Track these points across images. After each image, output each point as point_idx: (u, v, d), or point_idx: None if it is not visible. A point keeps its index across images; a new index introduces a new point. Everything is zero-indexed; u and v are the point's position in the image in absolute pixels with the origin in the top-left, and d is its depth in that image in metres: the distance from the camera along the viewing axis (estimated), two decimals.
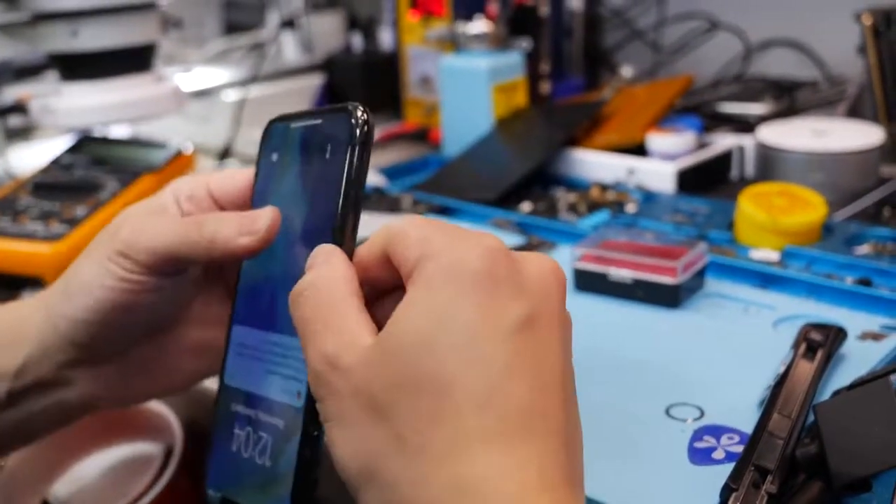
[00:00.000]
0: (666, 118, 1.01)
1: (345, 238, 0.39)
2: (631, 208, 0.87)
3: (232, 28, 1.59)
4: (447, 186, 0.94)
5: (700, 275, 0.66)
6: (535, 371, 0.32)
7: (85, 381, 0.46)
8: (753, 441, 0.44)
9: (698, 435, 0.48)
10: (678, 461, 0.46)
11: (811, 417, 0.45)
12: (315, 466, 0.38)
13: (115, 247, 0.43)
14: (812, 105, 1.10)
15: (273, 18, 1.42)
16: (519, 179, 0.92)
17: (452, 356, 0.32)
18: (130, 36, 0.97)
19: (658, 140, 0.95)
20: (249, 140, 1.12)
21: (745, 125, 1.03)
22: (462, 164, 1.01)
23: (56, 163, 0.90)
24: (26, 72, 1.27)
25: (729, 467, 0.43)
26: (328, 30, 1.45)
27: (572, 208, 0.88)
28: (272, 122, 0.45)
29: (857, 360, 0.55)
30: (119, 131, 1.11)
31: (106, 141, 0.97)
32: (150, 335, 0.47)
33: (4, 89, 1.20)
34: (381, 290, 0.39)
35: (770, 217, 0.73)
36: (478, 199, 0.89)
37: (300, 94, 1.32)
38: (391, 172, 1.02)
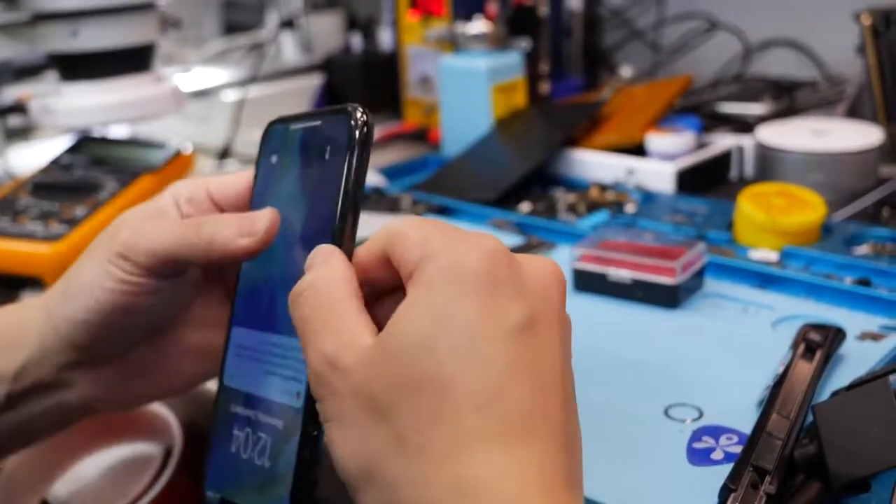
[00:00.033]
0: (665, 118, 1.01)
1: (344, 239, 0.39)
2: (630, 208, 0.87)
3: (231, 28, 1.59)
4: (446, 186, 0.94)
5: (699, 275, 0.66)
6: (534, 372, 0.33)
7: (84, 383, 0.46)
8: (752, 441, 0.44)
9: (697, 435, 0.48)
10: (677, 462, 0.46)
11: (810, 418, 0.45)
12: (314, 467, 0.38)
13: (115, 249, 0.43)
14: (811, 105, 1.10)
15: (272, 18, 1.42)
16: (518, 179, 0.92)
17: (452, 356, 0.32)
18: (130, 36, 0.97)
19: (657, 140, 0.95)
20: (249, 140, 1.12)
21: (744, 125, 1.03)
22: (461, 164, 1.01)
23: (55, 163, 0.90)
24: (26, 72, 1.27)
25: (728, 468, 0.43)
26: (327, 30, 1.45)
27: (571, 208, 0.88)
28: (271, 124, 0.45)
29: (856, 360, 0.55)
30: (118, 131, 1.11)
31: (105, 141, 0.97)
32: (149, 337, 0.47)
33: (4, 89, 1.20)
34: (381, 291, 0.39)
35: (769, 217, 0.73)
36: (477, 199, 0.89)
37: (299, 94, 1.32)
38: (390, 172, 1.02)
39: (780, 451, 0.43)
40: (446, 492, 0.31)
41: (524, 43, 1.11)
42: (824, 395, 0.50)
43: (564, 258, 0.71)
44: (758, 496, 0.41)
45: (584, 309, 0.65)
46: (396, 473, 0.32)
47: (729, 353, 0.57)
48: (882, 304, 0.62)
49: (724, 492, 0.42)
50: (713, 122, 1.06)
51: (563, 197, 0.91)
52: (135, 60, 1.00)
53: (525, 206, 0.89)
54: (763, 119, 1.03)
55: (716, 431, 0.49)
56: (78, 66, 0.97)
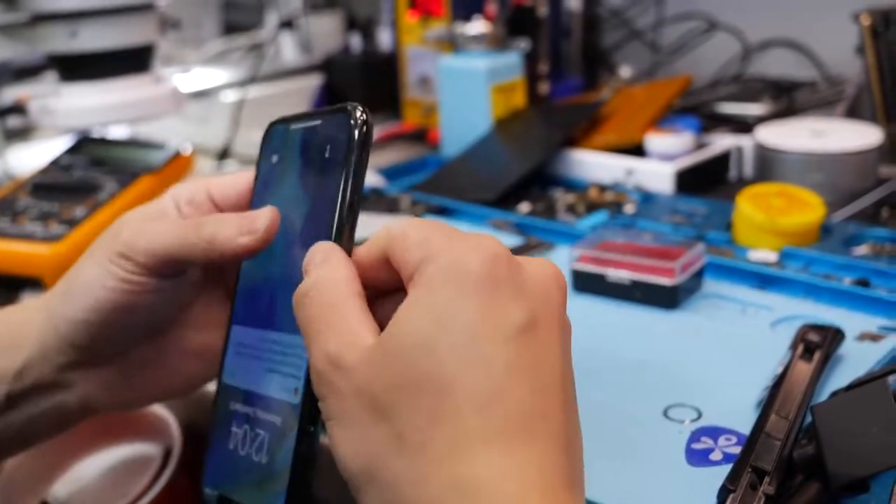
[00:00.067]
0: (664, 118, 1.01)
1: (343, 237, 0.39)
2: (629, 209, 0.87)
3: (230, 28, 1.59)
4: (446, 187, 0.94)
5: (698, 276, 0.66)
6: (535, 373, 0.33)
7: (84, 384, 0.46)
8: (751, 442, 0.44)
9: (696, 436, 0.48)
10: (676, 462, 0.46)
11: (809, 418, 0.45)
12: (311, 463, 0.38)
13: (116, 248, 0.43)
14: (810, 105, 1.10)
15: (272, 19, 1.42)
16: (517, 180, 0.92)
17: (453, 356, 0.32)
18: (129, 37, 0.97)
19: (656, 140, 0.95)
20: (248, 141, 1.12)
21: (743, 125, 1.03)
22: (461, 164, 1.01)
23: (55, 163, 0.90)
24: (25, 72, 1.27)
25: (726, 468, 0.43)
26: (327, 30, 1.45)
27: (571, 209, 0.88)
28: (272, 125, 0.46)
29: (855, 361, 0.55)
30: (118, 132, 1.11)
31: (105, 142, 0.97)
32: (149, 337, 0.48)
33: (4, 90, 1.20)
34: (381, 292, 0.39)
35: (768, 218, 0.73)
36: (476, 199, 0.89)
37: (299, 94, 1.32)
38: (390, 173, 1.02)
39: (779, 452, 0.43)
40: (446, 491, 0.31)
41: (523, 43, 1.11)
42: (823, 395, 0.50)
43: (563, 259, 0.71)
44: (756, 497, 0.41)
45: (583, 310, 0.65)
46: (397, 473, 0.32)
47: (728, 354, 0.57)
48: (881, 305, 0.62)
49: (723, 492, 0.42)
50: (712, 122, 1.06)
51: (562, 197, 0.91)
52: (134, 61, 1.00)
53: (524, 207, 0.89)
54: (762, 119, 1.03)
55: (714, 432, 0.49)
56: (77, 67, 0.97)
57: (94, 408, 0.48)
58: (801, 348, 0.53)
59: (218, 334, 0.47)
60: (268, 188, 0.45)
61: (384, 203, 0.91)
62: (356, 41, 1.43)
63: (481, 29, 1.06)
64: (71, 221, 0.79)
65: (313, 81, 1.36)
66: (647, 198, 0.90)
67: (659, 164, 0.92)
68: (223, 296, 0.49)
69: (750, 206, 0.74)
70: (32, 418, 0.46)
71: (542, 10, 1.18)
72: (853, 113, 1.08)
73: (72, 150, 0.93)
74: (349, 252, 0.39)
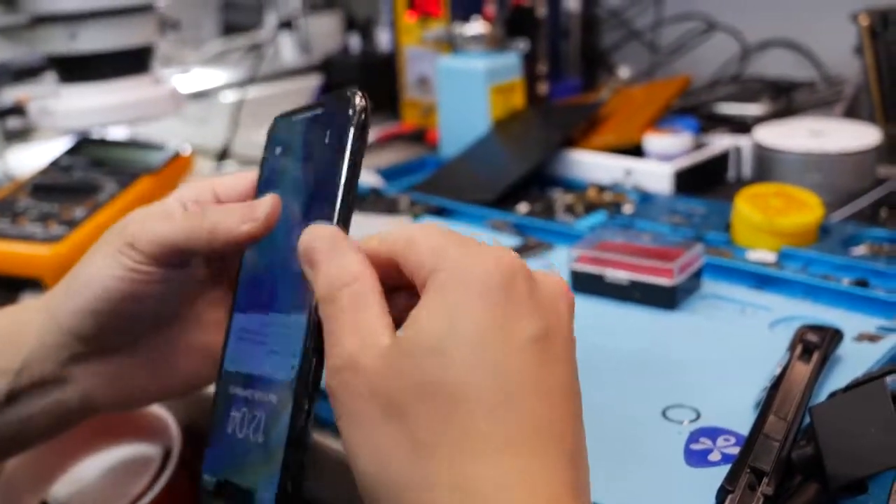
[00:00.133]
0: (663, 119, 1.01)
1: (342, 220, 0.40)
2: (628, 209, 0.87)
3: (230, 29, 1.59)
4: (444, 187, 0.94)
5: (697, 276, 0.66)
6: (546, 385, 0.33)
7: (85, 380, 0.47)
8: (749, 443, 0.45)
9: (694, 437, 0.48)
10: (674, 463, 0.46)
11: (807, 419, 0.46)
12: (305, 441, 0.38)
13: (123, 239, 0.44)
14: (809, 106, 1.10)
15: (271, 19, 1.42)
16: (516, 180, 0.92)
17: (467, 363, 0.32)
18: (128, 38, 0.97)
19: (655, 141, 0.95)
20: (248, 141, 1.12)
21: (742, 126, 1.03)
22: (459, 165, 1.01)
23: (55, 164, 0.91)
24: (25, 74, 1.27)
25: (725, 469, 0.43)
26: (326, 31, 1.46)
27: (569, 209, 0.88)
28: (276, 119, 0.47)
29: (854, 361, 0.55)
30: (117, 133, 1.11)
31: (104, 143, 0.97)
32: (152, 332, 0.48)
33: (3, 91, 1.20)
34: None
35: (767, 218, 0.73)
36: (475, 200, 0.89)
37: (298, 94, 1.32)
38: (388, 173, 1.02)
39: (778, 453, 0.43)
40: (456, 494, 0.31)
41: (522, 44, 1.11)
42: (821, 396, 0.50)
43: (562, 259, 0.71)
44: (755, 497, 0.41)
45: (582, 310, 0.64)
46: (410, 474, 0.32)
47: (726, 355, 0.58)
48: (879, 305, 0.62)
49: (722, 493, 0.42)
50: (711, 122, 1.06)
51: (560, 198, 0.91)
52: (134, 62, 1.00)
53: (523, 207, 0.89)
54: (761, 119, 1.03)
55: (713, 433, 0.49)
56: (77, 68, 0.97)
57: (94, 406, 0.48)
58: (799, 349, 0.53)
59: (220, 334, 0.47)
60: (271, 180, 0.45)
61: (383, 204, 0.91)
62: (355, 41, 1.43)
63: (480, 29, 1.06)
64: (71, 222, 0.79)
65: (312, 82, 1.36)
66: (645, 198, 0.90)
67: (657, 165, 0.92)
68: (226, 294, 0.50)
69: (748, 207, 0.74)
70: (32, 416, 0.46)
71: (541, 11, 1.18)
72: (852, 113, 1.08)
73: (71, 151, 0.93)
74: (347, 230, 0.40)
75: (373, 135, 1.19)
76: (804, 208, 0.74)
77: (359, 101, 0.41)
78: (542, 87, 1.20)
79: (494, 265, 0.34)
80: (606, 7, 1.41)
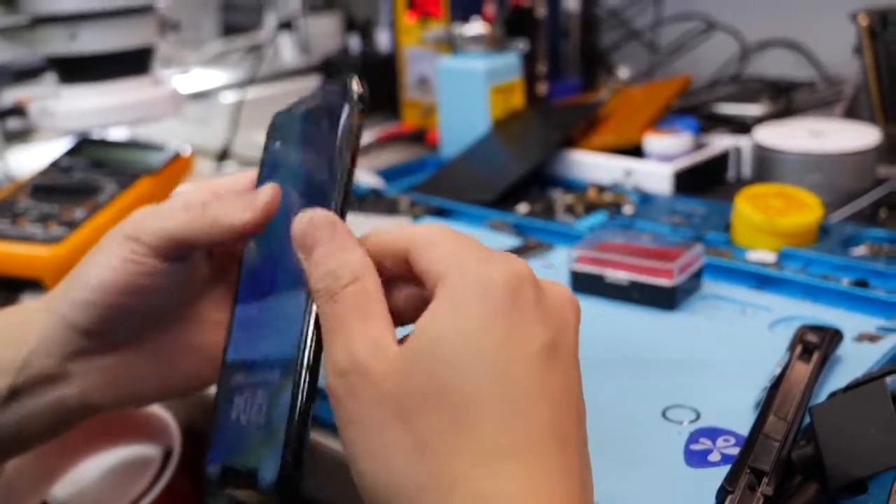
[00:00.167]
0: (663, 119, 1.01)
1: (338, 202, 0.40)
2: (628, 210, 0.87)
3: (229, 30, 1.59)
4: (444, 188, 0.94)
5: (697, 276, 0.66)
6: (554, 395, 0.34)
7: (85, 376, 0.47)
8: (749, 443, 0.45)
9: (694, 437, 0.48)
10: (674, 463, 0.47)
11: (807, 419, 0.46)
12: (307, 416, 0.38)
13: (126, 233, 0.45)
14: (809, 106, 1.10)
15: (270, 20, 1.42)
16: (516, 181, 0.93)
17: (478, 371, 0.33)
18: (128, 39, 0.97)
19: (655, 141, 0.95)
20: (248, 142, 1.12)
21: (741, 126, 1.03)
22: (459, 165, 1.01)
23: (55, 165, 0.91)
24: (25, 75, 1.27)
25: (725, 469, 0.43)
26: (325, 31, 1.46)
27: (569, 210, 0.88)
28: (276, 114, 0.47)
29: (854, 361, 0.55)
30: (117, 134, 1.11)
31: (104, 143, 0.97)
32: (153, 330, 0.48)
33: (3, 92, 1.20)
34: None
35: (766, 218, 0.73)
36: (475, 200, 0.89)
37: (298, 95, 1.31)
38: (388, 174, 1.02)
39: (778, 453, 0.43)
40: (466, 501, 0.31)
41: (521, 44, 1.11)
42: (821, 396, 0.50)
43: (562, 259, 0.71)
44: (755, 498, 0.41)
45: (582, 310, 0.65)
46: (419, 481, 0.32)
47: (726, 355, 0.58)
48: (879, 306, 0.62)
49: (722, 493, 0.42)
50: (711, 122, 1.06)
51: (560, 198, 0.91)
52: (134, 63, 1.00)
53: (523, 208, 0.90)
54: (760, 120, 1.03)
55: (713, 433, 0.49)
56: (77, 69, 0.97)
57: (94, 405, 0.48)
58: (799, 349, 0.53)
59: (221, 334, 0.47)
60: (271, 174, 0.46)
61: (383, 204, 0.91)
62: (355, 42, 1.43)
63: (480, 30, 1.06)
64: (71, 223, 0.79)
65: (312, 82, 1.36)
66: (645, 198, 0.90)
67: (657, 165, 0.92)
68: (228, 295, 0.50)
69: (748, 207, 0.74)
70: (33, 415, 0.47)
71: (541, 11, 1.18)
72: (851, 113, 1.09)
73: (71, 152, 0.93)
74: (343, 217, 0.40)
75: (373, 135, 1.19)
76: (804, 208, 0.75)
77: (355, 85, 0.41)
78: (542, 88, 1.20)
79: (504, 273, 0.34)
80: (606, 7, 1.41)
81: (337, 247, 0.37)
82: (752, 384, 0.52)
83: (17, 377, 0.46)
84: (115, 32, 0.96)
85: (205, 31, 1.56)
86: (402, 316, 0.39)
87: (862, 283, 0.66)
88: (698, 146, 0.97)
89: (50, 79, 1.06)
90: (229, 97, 1.22)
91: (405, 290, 0.39)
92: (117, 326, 0.46)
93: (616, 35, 1.42)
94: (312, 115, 0.44)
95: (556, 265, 0.73)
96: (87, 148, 0.94)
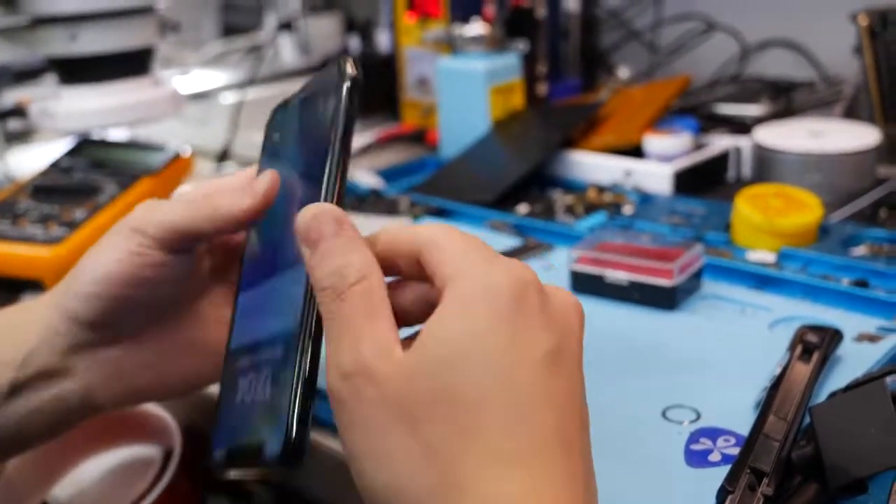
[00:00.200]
0: (663, 119, 1.01)
1: (335, 187, 0.40)
2: (628, 210, 0.87)
3: (229, 30, 1.59)
4: (444, 188, 0.94)
5: (696, 276, 0.66)
6: (558, 400, 0.34)
7: (86, 372, 0.47)
8: (749, 443, 0.45)
9: (695, 437, 0.48)
10: (674, 463, 0.47)
11: (807, 419, 0.46)
12: (310, 387, 0.37)
13: (128, 225, 0.45)
14: (809, 106, 1.10)
15: (270, 21, 1.42)
16: (516, 181, 0.93)
17: (486, 376, 0.32)
18: (129, 40, 0.98)
19: (655, 141, 0.95)
20: (248, 142, 1.12)
21: (741, 126, 1.03)
22: (459, 165, 1.01)
23: (55, 166, 0.91)
24: (25, 75, 1.27)
25: (725, 469, 0.43)
26: (325, 32, 1.46)
27: (569, 210, 0.88)
28: (274, 109, 0.48)
29: (854, 361, 0.55)
30: (117, 134, 1.11)
31: (105, 144, 0.97)
32: (154, 325, 0.49)
33: (4, 93, 1.20)
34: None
35: (766, 218, 0.73)
36: (475, 200, 0.89)
37: None
38: (388, 174, 1.03)
39: (778, 453, 0.43)
40: None
41: (521, 44, 1.11)
42: (821, 396, 0.50)
43: (562, 260, 0.71)
44: (755, 498, 0.41)
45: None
46: (426, 486, 0.32)
47: (726, 355, 0.58)
48: (879, 306, 0.62)
49: (722, 493, 0.42)
50: (710, 123, 1.06)
51: (560, 198, 0.91)
52: (134, 64, 1.00)
53: (523, 208, 0.90)
54: (760, 120, 1.03)
55: (713, 433, 0.49)
56: (77, 70, 0.98)
57: (95, 401, 0.48)
58: (799, 349, 0.53)
59: (222, 332, 0.48)
60: (271, 165, 0.46)
61: (383, 204, 0.91)
62: (355, 42, 1.44)
63: (479, 30, 1.06)
64: (71, 224, 0.79)
65: None
66: (645, 199, 0.90)
67: (657, 165, 0.92)
68: (229, 294, 0.51)
69: (748, 207, 0.74)
70: (34, 411, 0.47)
71: (541, 12, 1.18)
72: (851, 113, 1.09)
73: (72, 153, 0.93)
74: (340, 202, 0.39)
75: (373, 135, 1.19)
76: (804, 209, 0.75)
77: (348, 66, 0.41)
78: (542, 88, 1.20)
79: (509, 279, 0.34)
80: (606, 7, 1.41)
81: (342, 243, 0.37)
82: (752, 384, 0.52)
83: (19, 373, 0.46)
84: (116, 33, 0.96)
85: (205, 31, 1.56)
86: (408, 317, 0.39)
87: (862, 283, 0.66)
88: (698, 146, 0.97)
89: (50, 79, 1.07)
90: (229, 98, 1.23)
91: (413, 290, 0.39)
92: (121, 319, 0.47)
93: (616, 35, 1.42)
94: (309, 102, 0.44)
95: (556, 266, 0.73)
96: (87, 148, 0.94)
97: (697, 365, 0.57)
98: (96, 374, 0.47)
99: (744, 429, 0.48)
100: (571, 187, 0.96)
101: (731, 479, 0.42)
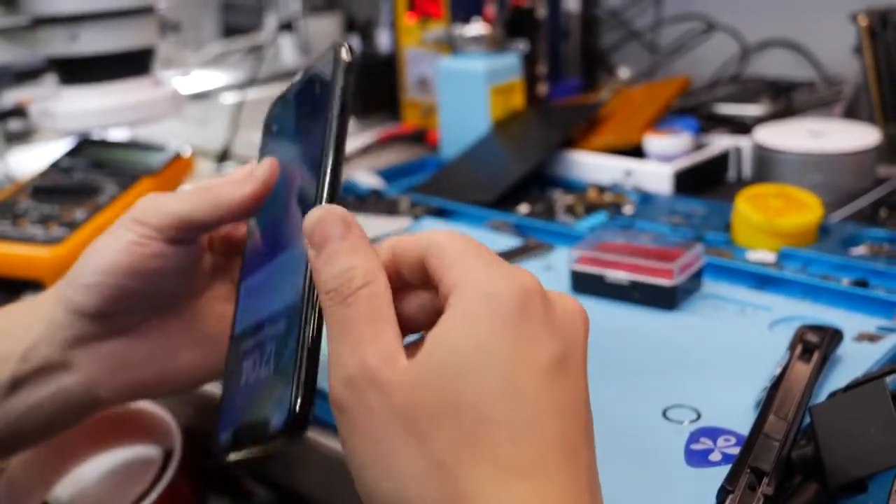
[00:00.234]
0: (663, 119, 1.01)
1: (332, 171, 0.40)
2: (628, 210, 0.87)
3: (230, 31, 1.59)
4: (445, 188, 0.95)
5: (697, 276, 0.66)
6: (564, 408, 0.33)
7: (87, 365, 0.48)
8: (750, 443, 0.45)
9: (695, 437, 0.48)
10: (675, 463, 0.47)
11: (807, 419, 0.46)
12: (313, 357, 0.37)
13: (131, 216, 0.46)
14: (809, 106, 1.10)
15: (271, 21, 1.42)
16: (516, 181, 0.93)
17: (492, 386, 0.32)
18: (129, 40, 0.98)
19: (655, 141, 0.95)
20: (248, 142, 1.12)
21: (741, 126, 1.03)
22: (459, 165, 1.01)
23: (55, 166, 0.91)
24: (26, 76, 1.27)
25: (725, 469, 0.43)
26: (326, 32, 1.46)
27: (569, 210, 0.88)
28: (272, 104, 0.48)
29: (853, 361, 0.55)
30: (118, 134, 1.12)
31: (105, 144, 0.97)
32: (156, 319, 0.49)
33: (4, 93, 1.20)
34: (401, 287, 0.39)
35: (766, 218, 0.73)
36: (475, 200, 0.89)
37: None
38: (389, 174, 1.03)
39: (778, 453, 0.43)
40: None
41: (522, 45, 1.11)
42: (821, 396, 0.50)
43: (562, 260, 0.71)
44: (755, 497, 0.41)
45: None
46: (427, 493, 0.32)
47: (726, 355, 0.58)
48: (879, 305, 0.62)
49: (722, 493, 0.42)
50: (711, 123, 1.06)
51: (560, 198, 0.91)
52: (134, 64, 1.00)
53: (523, 208, 0.90)
54: (760, 120, 1.03)
55: (713, 433, 0.49)
56: (78, 70, 0.98)
57: (96, 396, 0.48)
58: (799, 349, 0.53)
59: (224, 327, 0.48)
60: (269, 156, 0.46)
61: (383, 204, 0.91)
62: (355, 43, 1.44)
63: (480, 30, 1.06)
64: (71, 224, 0.79)
65: None
66: (645, 199, 0.90)
67: (657, 165, 0.92)
68: (231, 290, 0.51)
69: (748, 207, 0.74)
70: (34, 406, 0.47)
71: (541, 12, 1.18)
72: (851, 113, 1.09)
73: (72, 153, 0.93)
74: (337, 188, 0.39)
75: (373, 136, 1.19)
76: (804, 209, 0.75)
77: (343, 51, 0.41)
78: (542, 88, 1.20)
79: (511, 286, 0.34)
80: (606, 7, 1.41)
81: (349, 246, 0.36)
82: (752, 384, 0.52)
83: (20, 367, 0.46)
84: (116, 33, 0.96)
85: (205, 31, 1.56)
86: (414, 324, 0.39)
87: (862, 283, 0.66)
88: (698, 146, 0.97)
89: (50, 80, 1.07)
90: (230, 98, 1.23)
91: (418, 297, 0.39)
92: (123, 310, 0.47)
93: (616, 35, 1.42)
94: (304, 90, 0.44)
95: (557, 266, 0.73)
96: (87, 149, 0.94)
97: (697, 365, 0.57)
98: (97, 367, 0.48)
99: (744, 428, 0.48)
100: (572, 187, 0.96)
101: (731, 478, 0.42)
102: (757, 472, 0.42)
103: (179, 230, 0.46)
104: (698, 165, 0.93)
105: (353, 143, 1.16)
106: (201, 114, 1.24)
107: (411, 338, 0.37)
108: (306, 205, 0.39)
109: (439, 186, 0.96)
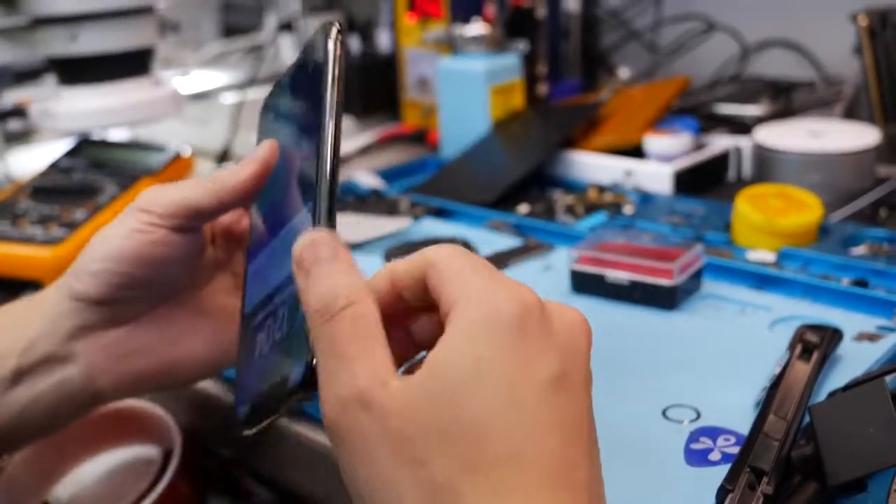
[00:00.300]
0: (663, 119, 1.01)
1: (330, 146, 0.39)
2: (628, 210, 0.87)
3: (230, 31, 1.59)
4: (445, 188, 0.95)
5: (697, 276, 0.66)
6: (565, 424, 0.33)
7: (89, 356, 0.48)
8: (749, 442, 0.45)
9: (695, 436, 0.49)
10: (675, 463, 0.47)
11: (807, 419, 0.46)
12: None
13: (137, 205, 0.47)
14: (808, 106, 1.10)
15: (271, 21, 1.42)
16: (516, 181, 0.93)
17: (491, 406, 0.32)
18: (129, 40, 0.98)
19: (655, 141, 0.95)
20: (248, 142, 1.12)
21: (741, 126, 1.03)
22: (460, 166, 1.01)
23: (55, 166, 0.91)
24: (25, 76, 1.27)
25: (725, 469, 0.43)
26: None
27: (569, 210, 0.88)
28: (268, 95, 0.48)
29: (853, 361, 0.55)
30: (118, 135, 1.12)
31: (105, 144, 0.97)
32: (159, 306, 0.50)
33: (4, 93, 1.20)
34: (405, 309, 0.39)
35: (766, 218, 0.73)
36: (475, 201, 0.89)
37: None
38: (389, 175, 1.03)
39: (777, 452, 0.43)
40: None
41: (522, 45, 1.11)
42: (821, 395, 0.50)
43: (562, 260, 0.71)
44: (755, 497, 0.41)
45: (582, 311, 0.64)
46: None
47: (726, 355, 0.58)
48: (879, 305, 0.62)
49: (722, 493, 0.42)
50: (711, 123, 1.06)
51: (561, 198, 0.91)
52: (134, 64, 1.00)
53: (523, 208, 0.90)
54: (760, 120, 1.03)
55: (713, 432, 0.49)
56: (77, 70, 0.98)
57: (97, 389, 0.48)
58: (799, 348, 0.53)
59: (226, 320, 0.49)
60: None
61: (383, 205, 0.91)
62: (355, 43, 1.43)
63: (480, 30, 1.06)
64: (71, 224, 0.79)
65: None
66: (645, 199, 0.90)
67: (657, 165, 0.92)
68: (234, 283, 0.52)
69: (748, 207, 0.74)
70: (36, 398, 0.47)
71: (541, 12, 1.18)
72: (851, 113, 1.09)
73: (72, 153, 0.93)
74: (336, 169, 0.39)
75: (373, 136, 1.19)
76: (804, 208, 0.75)
77: (333, 30, 0.41)
78: (542, 88, 1.20)
79: (510, 303, 0.34)
80: (606, 7, 1.41)
81: (333, 269, 0.36)
82: (752, 384, 0.52)
83: (22, 360, 0.47)
84: (116, 33, 0.96)
85: (205, 31, 1.56)
86: (419, 345, 0.39)
87: (862, 283, 0.66)
88: (698, 146, 0.97)
89: (50, 80, 1.07)
90: (229, 98, 1.23)
91: (425, 319, 0.38)
92: (126, 298, 0.48)
93: (616, 35, 1.42)
94: (298, 72, 0.44)
95: (557, 266, 0.73)
96: (87, 149, 0.94)
97: (697, 365, 0.57)
98: (99, 357, 0.48)
99: (744, 428, 0.48)
100: (572, 187, 0.96)
101: (730, 478, 0.42)
102: (756, 471, 0.43)
103: (183, 217, 0.46)
104: (698, 165, 0.93)
105: (354, 143, 1.17)
106: (201, 114, 1.24)
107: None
108: (307, 184, 0.40)
109: (439, 186, 0.96)
